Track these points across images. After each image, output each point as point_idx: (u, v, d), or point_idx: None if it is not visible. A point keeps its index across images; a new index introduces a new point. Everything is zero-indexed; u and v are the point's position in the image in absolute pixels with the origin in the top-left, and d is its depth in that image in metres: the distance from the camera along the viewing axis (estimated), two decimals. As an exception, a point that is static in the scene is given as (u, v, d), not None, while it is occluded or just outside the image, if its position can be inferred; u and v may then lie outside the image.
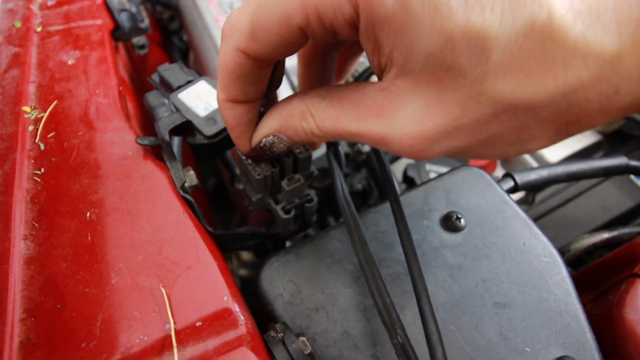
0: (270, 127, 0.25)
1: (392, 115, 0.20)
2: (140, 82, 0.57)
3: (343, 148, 0.59)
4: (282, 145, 0.26)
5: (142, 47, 0.58)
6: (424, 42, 0.18)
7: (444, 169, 0.59)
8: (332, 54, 0.28)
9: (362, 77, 0.56)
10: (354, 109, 0.22)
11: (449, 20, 0.17)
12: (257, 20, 0.20)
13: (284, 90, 0.53)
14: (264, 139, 0.26)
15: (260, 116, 0.27)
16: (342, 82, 0.33)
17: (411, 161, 0.62)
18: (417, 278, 0.26)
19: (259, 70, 0.23)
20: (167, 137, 0.32)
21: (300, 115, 0.24)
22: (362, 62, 0.62)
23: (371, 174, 0.57)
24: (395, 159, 0.63)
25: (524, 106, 0.18)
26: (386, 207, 0.36)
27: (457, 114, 0.19)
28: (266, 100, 0.27)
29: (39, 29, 0.41)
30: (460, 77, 0.18)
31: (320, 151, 0.51)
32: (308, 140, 0.25)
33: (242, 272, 0.74)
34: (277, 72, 0.26)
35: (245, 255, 0.74)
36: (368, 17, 0.18)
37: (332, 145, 0.38)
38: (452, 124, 0.19)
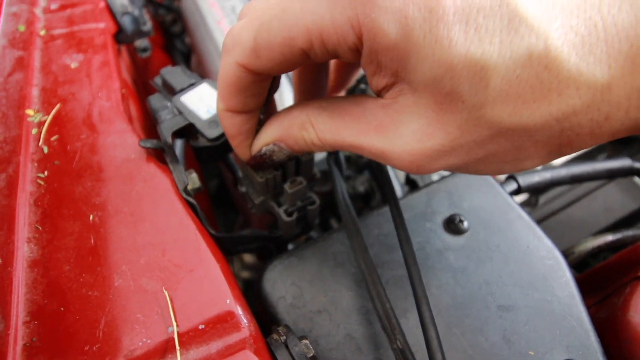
0: (270, 135, 0.25)
1: (393, 132, 0.21)
2: (143, 85, 0.57)
3: (344, 152, 0.59)
4: (282, 153, 0.26)
5: (144, 49, 0.58)
6: (425, 70, 0.18)
7: (446, 172, 0.59)
8: (327, 62, 0.29)
9: (364, 81, 0.56)
10: (354, 122, 0.22)
11: (449, 51, 0.18)
12: (260, 38, 0.21)
13: (286, 93, 0.53)
14: (264, 147, 0.26)
15: (260, 124, 0.27)
16: (342, 92, 0.33)
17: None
18: (417, 284, 0.26)
19: (259, 84, 0.23)
20: (169, 139, 0.32)
21: (301, 126, 0.24)
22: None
23: (373, 177, 0.57)
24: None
25: (519, 130, 0.19)
26: (389, 209, 0.36)
27: (456, 134, 0.20)
28: (265, 108, 0.27)
29: (42, 33, 0.42)
30: (460, 102, 0.19)
31: (322, 154, 0.51)
32: (307, 150, 0.25)
33: (245, 274, 0.74)
34: (275, 81, 0.26)
35: (248, 258, 0.74)
36: (372, 45, 0.19)
37: (332, 152, 0.38)
38: (451, 144, 0.20)
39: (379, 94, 0.22)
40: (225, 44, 0.22)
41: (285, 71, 0.22)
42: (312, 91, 0.30)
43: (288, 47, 0.20)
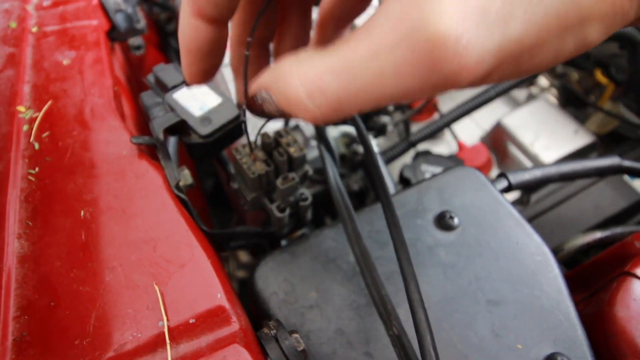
0: (262, 80, 0.20)
1: (422, 7, 0.15)
2: (137, 83, 0.57)
3: (339, 149, 0.59)
4: (271, 105, 0.21)
5: (138, 47, 0.58)
6: None
7: (440, 170, 0.60)
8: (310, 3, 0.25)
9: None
10: (366, 34, 0.16)
11: None
12: None
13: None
14: (258, 93, 0.21)
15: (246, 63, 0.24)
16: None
17: (407, 162, 0.62)
18: (406, 268, 0.26)
19: None
20: (161, 136, 0.32)
21: (287, 72, 0.18)
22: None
23: (367, 175, 0.58)
24: (391, 159, 0.63)
25: None
26: (380, 206, 0.37)
27: None
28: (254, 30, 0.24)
29: (34, 29, 0.41)
30: None
31: (315, 152, 0.52)
32: (295, 111, 0.19)
33: (240, 273, 0.74)
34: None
35: (243, 257, 0.74)
36: None
37: (323, 139, 0.38)
38: None
39: None
40: None
41: None
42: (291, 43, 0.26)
43: None
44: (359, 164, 0.59)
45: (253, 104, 0.22)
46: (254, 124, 0.50)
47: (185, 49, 0.22)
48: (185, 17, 0.21)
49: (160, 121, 0.33)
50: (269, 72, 0.20)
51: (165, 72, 0.37)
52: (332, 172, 0.34)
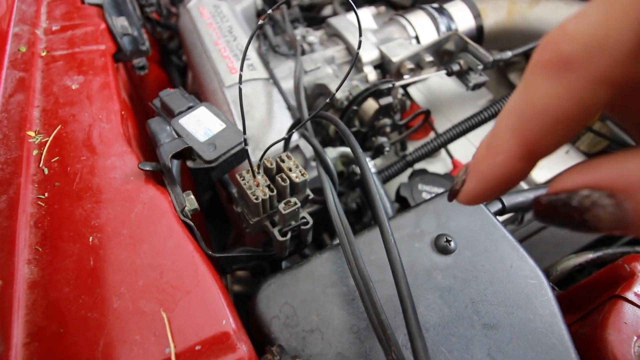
0: (594, 176, 0.15)
1: None
2: (139, 100, 0.58)
3: (337, 167, 0.60)
4: (603, 211, 0.14)
5: (142, 68, 0.59)
6: None
7: (436, 189, 0.61)
8: None
9: (359, 99, 0.57)
10: None
11: None
12: None
13: (279, 110, 0.55)
14: (574, 193, 0.15)
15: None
16: None
17: (404, 180, 0.63)
18: (404, 292, 0.27)
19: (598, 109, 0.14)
20: (169, 163, 0.33)
21: None
22: (355, 85, 0.64)
23: (365, 195, 0.59)
24: (388, 178, 0.64)
25: None
26: (377, 229, 0.38)
27: None
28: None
29: (43, 54, 0.43)
30: None
31: (314, 172, 0.53)
32: None
33: (236, 288, 0.74)
34: None
35: (240, 272, 0.74)
36: None
37: (323, 163, 0.39)
38: None
39: None
40: (554, 54, 0.14)
41: None
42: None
43: None
44: (357, 183, 0.60)
45: (552, 206, 0.16)
46: (255, 145, 0.51)
47: (482, 181, 0.18)
48: (505, 156, 0.16)
49: (167, 148, 0.34)
50: (613, 166, 0.15)
51: (171, 97, 0.39)
52: (333, 197, 0.35)
